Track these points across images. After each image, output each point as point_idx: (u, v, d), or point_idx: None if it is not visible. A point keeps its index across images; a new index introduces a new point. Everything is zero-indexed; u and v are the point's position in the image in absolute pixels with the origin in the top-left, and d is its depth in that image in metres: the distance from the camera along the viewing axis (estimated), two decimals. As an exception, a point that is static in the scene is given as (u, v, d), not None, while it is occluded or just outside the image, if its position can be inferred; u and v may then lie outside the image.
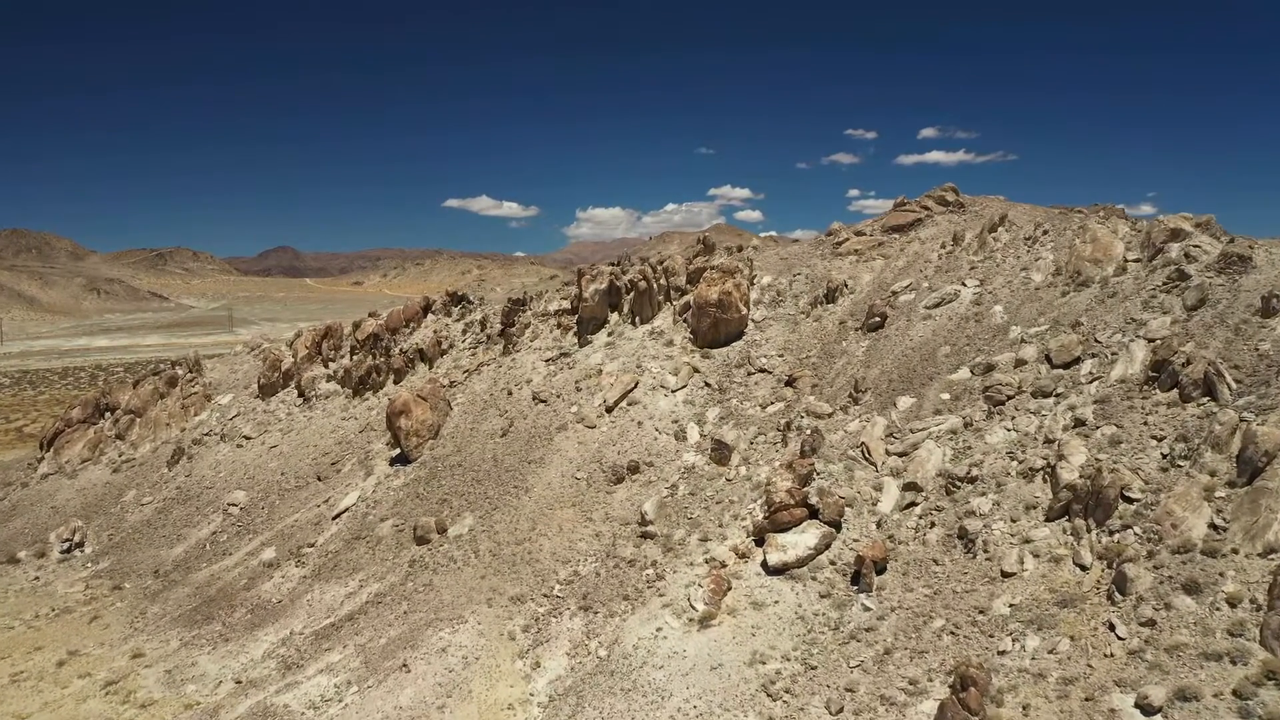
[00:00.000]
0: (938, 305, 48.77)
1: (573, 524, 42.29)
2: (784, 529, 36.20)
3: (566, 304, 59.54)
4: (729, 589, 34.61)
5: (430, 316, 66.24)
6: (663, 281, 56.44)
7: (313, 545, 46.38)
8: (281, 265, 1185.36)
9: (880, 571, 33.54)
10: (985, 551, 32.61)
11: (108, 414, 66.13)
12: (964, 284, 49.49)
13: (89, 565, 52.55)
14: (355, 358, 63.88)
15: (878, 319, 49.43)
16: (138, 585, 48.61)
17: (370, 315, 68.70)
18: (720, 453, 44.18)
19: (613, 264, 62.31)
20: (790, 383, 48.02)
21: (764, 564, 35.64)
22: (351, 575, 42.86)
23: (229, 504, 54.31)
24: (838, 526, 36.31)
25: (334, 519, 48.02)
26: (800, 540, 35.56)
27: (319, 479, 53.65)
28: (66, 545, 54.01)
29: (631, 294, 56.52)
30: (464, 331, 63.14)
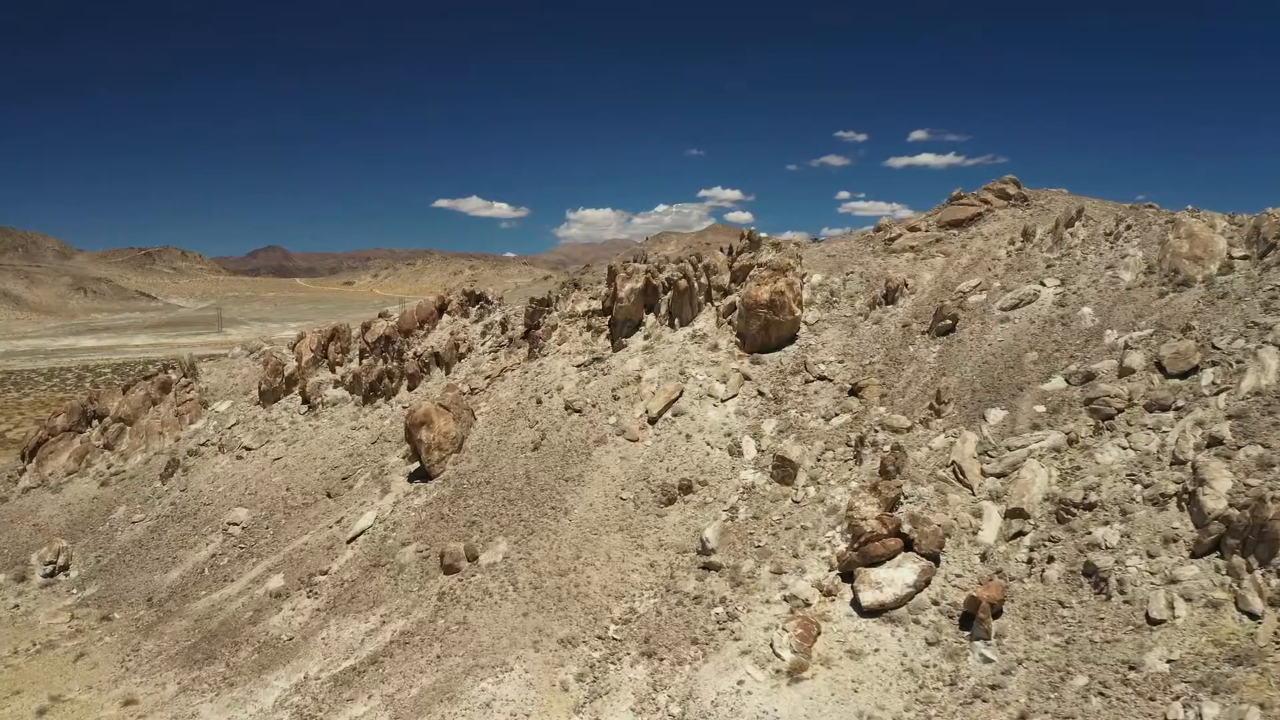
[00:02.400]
0: (1015, 306, 44.28)
1: (622, 552, 37.59)
2: (876, 562, 31.63)
3: (597, 305, 54.81)
4: (819, 633, 30.02)
5: (446, 317, 61.40)
6: (703, 280, 51.79)
7: (326, 573, 41.51)
8: (271, 265, 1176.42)
9: (996, 615, 28.98)
10: (1122, 593, 28.10)
11: (95, 421, 61.06)
12: (1042, 283, 45.01)
13: (74, 591, 47.55)
14: (365, 362, 59.02)
15: (948, 321, 44.88)
16: (129, 616, 43.66)
17: (380, 316, 63.85)
18: (783, 471, 39.53)
19: (643, 261, 57.58)
20: (855, 392, 43.41)
21: (855, 603, 31.11)
22: (372, 609, 38.03)
23: (229, 523, 49.38)
24: (935, 559, 31.78)
25: (349, 543, 43.16)
26: (896, 576, 31.00)
27: (329, 496, 48.78)
28: (50, 568, 49.00)
29: (669, 294, 51.82)
30: (483, 334, 58.35)
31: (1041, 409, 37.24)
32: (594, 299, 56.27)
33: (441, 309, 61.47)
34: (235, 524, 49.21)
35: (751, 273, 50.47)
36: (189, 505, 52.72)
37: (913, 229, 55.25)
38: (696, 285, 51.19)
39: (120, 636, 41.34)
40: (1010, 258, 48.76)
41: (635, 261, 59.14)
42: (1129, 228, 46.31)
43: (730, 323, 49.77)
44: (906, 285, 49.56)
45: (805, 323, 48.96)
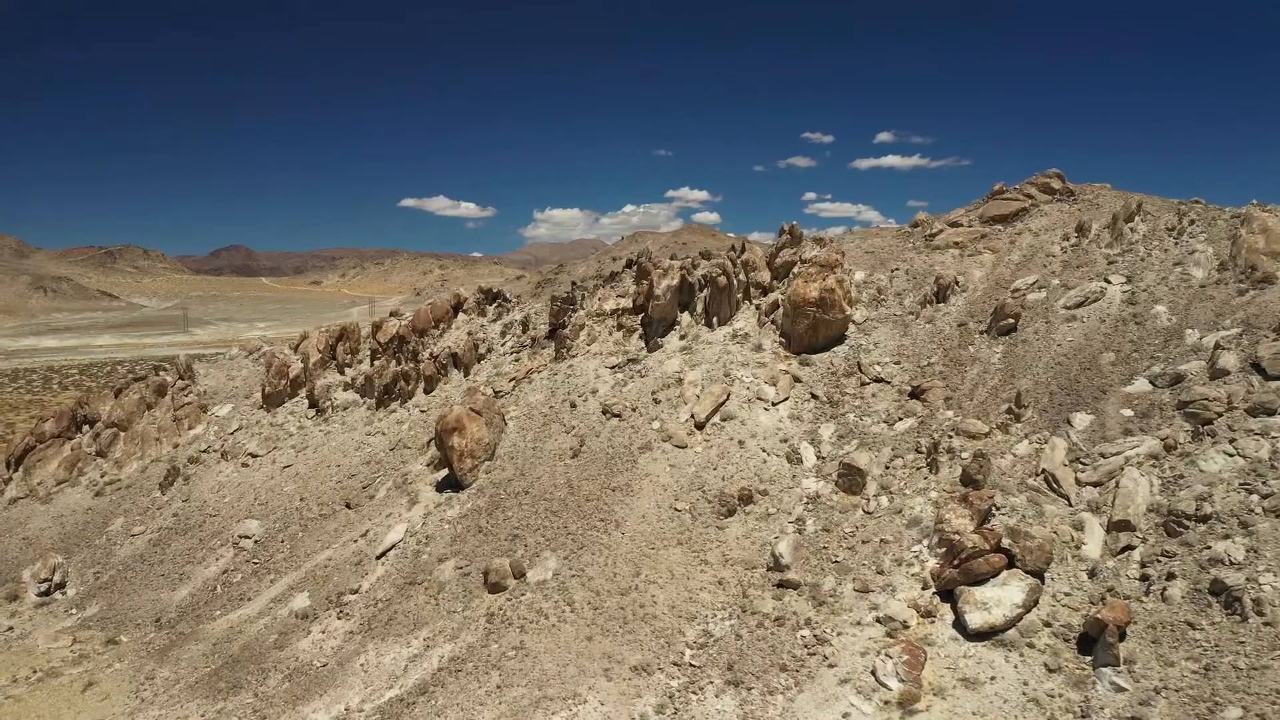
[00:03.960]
0: (1080, 305, 42.24)
1: (685, 568, 34.94)
2: (979, 580, 29.26)
3: (626, 303, 52.08)
4: (925, 659, 27.52)
5: (462, 316, 58.32)
6: (741, 277, 49.27)
7: (356, 591, 38.43)
8: (234, 264, 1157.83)
9: (1120, 639, 26.70)
10: (1260, 614, 25.92)
11: (86, 427, 57.33)
12: (1107, 280, 43.01)
13: (73, 611, 44.07)
14: (377, 363, 55.86)
15: (1010, 321, 42.73)
16: (138, 639, 40.32)
17: (392, 315, 60.69)
18: (850, 479, 37.10)
19: (676, 258, 54.91)
20: (916, 395, 41.11)
21: (959, 625, 28.73)
22: (413, 632, 35.04)
23: (240, 536, 46.12)
24: (1040, 577, 29.46)
25: (379, 558, 40.10)
26: (1003, 595, 28.64)
27: (348, 506, 45.64)
28: (45, 586, 45.43)
29: (706, 291, 49.26)
30: (503, 334, 55.40)
31: (1129, 413, 35.15)
32: (621, 297, 53.55)
33: (457, 307, 58.40)
34: (247, 537, 45.97)
35: (795, 269, 48.05)
36: (193, 517, 49.31)
37: (954, 224, 53.11)
38: (735, 282, 48.65)
39: (131, 662, 37.99)
40: (1066, 254, 46.73)
41: (672, 259, 56.48)
42: (1192, 222, 44.47)
43: (774, 322, 47.29)
44: (957, 283, 47.36)
45: (854, 322, 46.58)
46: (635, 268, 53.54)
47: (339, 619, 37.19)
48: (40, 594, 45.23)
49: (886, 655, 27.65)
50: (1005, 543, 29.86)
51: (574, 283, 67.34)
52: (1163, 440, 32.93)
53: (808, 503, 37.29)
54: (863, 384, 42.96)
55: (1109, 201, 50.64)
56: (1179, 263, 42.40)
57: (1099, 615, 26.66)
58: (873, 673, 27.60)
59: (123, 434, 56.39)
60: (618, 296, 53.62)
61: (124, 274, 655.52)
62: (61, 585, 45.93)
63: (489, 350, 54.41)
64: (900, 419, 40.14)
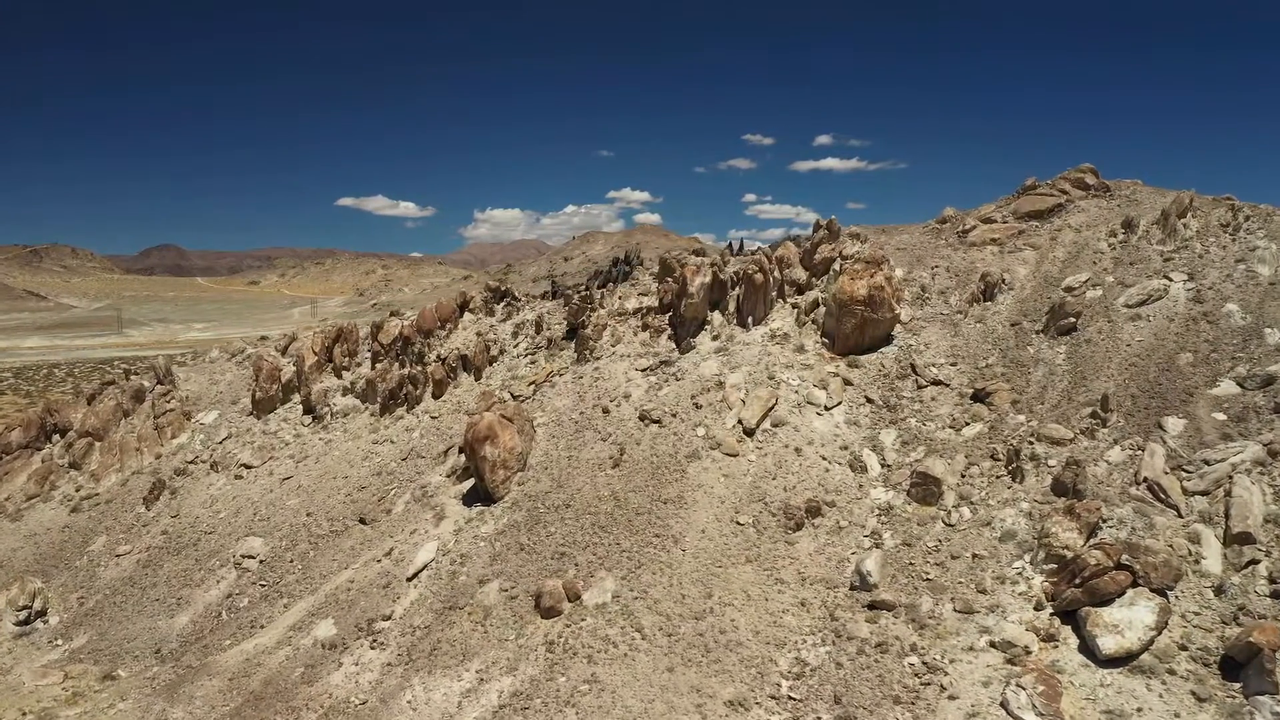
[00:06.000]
0: (1143, 303, 40.55)
1: (761, 588, 32.22)
2: (1105, 600, 27.04)
3: (650, 301, 49.24)
4: (1061, 690, 25.18)
5: (469, 316, 54.79)
6: (776, 275, 46.74)
7: (389, 617, 34.95)
8: (165, 264, 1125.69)
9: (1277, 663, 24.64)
10: None
11: (57, 436, 52.65)
12: (1168, 278, 41.40)
13: (58, 642, 39.86)
14: (379, 366, 52.10)
15: (1070, 320, 40.86)
16: (138, 673, 36.38)
17: (393, 314, 56.91)
18: (925, 489, 34.78)
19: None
20: (980, 398, 38.96)
21: (1087, 650, 26.44)
22: (463, 663, 31.74)
23: (242, 555, 42.26)
24: (1164, 595, 27.34)
25: (410, 580, 36.65)
26: (1133, 617, 26.45)
27: (363, 522, 42.06)
28: (24, 614, 41.09)
29: (738, 289, 46.63)
30: (514, 334, 52.10)
31: (1221, 416, 33.37)
32: (644, 295, 50.71)
33: (463, 306, 54.89)
34: (250, 556, 42.13)
35: (835, 265, 45.68)
36: (185, 534, 45.21)
37: (987, 220, 51.23)
38: (771, 280, 46.10)
39: (136, 701, 34.05)
40: (1115, 250, 45.05)
41: (693, 256, 53.78)
42: (1248, 218, 43.11)
43: (814, 321, 44.85)
44: (1004, 280, 45.41)
45: (900, 321, 44.34)
46: (660, 264, 50.67)
47: (373, 649, 33.70)
48: (19, 623, 40.90)
49: (1018, 686, 25.24)
50: (1125, 558, 27.69)
51: (589, 280, 64.53)
52: (1266, 446, 31.18)
53: (880, 514, 34.91)
54: (919, 386, 40.71)
55: (1147, 197, 49.23)
56: (1241, 260, 40.93)
57: (1251, 639, 24.57)
58: (1003, 705, 25.18)
59: (98, 444, 51.84)
60: (639, 295, 50.76)
61: (51, 273, 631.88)
62: (42, 613, 41.59)
63: (501, 352, 51.07)
64: (967, 424, 37.96)
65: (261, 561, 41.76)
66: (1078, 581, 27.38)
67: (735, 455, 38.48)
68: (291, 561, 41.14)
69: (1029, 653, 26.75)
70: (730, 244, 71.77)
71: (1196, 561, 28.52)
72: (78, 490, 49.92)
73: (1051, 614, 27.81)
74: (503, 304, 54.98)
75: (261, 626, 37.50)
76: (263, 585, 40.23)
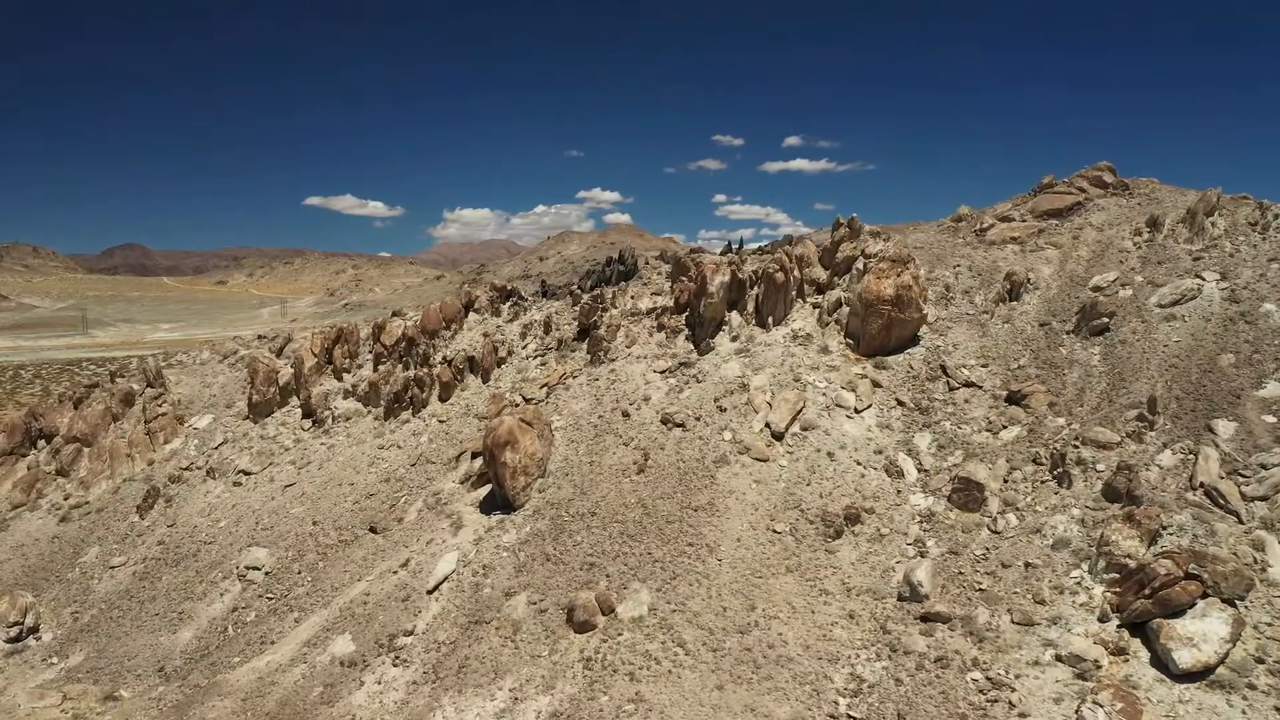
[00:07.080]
0: (1176, 303, 39.76)
1: (805, 599, 30.95)
2: (1177, 612, 26.03)
3: (664, 301, 47.88)
4: (1141, 707, 24.09)
5: (474, 316, 53.11)
6: (796, 274, 45.54)
7: (411, 633, 33.28)
8: (130, 263, 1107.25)
9: (1357, 676, 23.73)
10: None
11: (42, 442, 50.31)
12: (1200, 277, 40.64)
13: (54, 660, 37.79)
14: (382, 368, 50.30)
15: (1102, 320, 39.99)
16: (142, 693, 34.44)
17: (395, 315, 55.07)
18: (967, 495, 33.72)
19: (708, 251, 50.88)
20: (1016, 400, 37.96)
21: (1159, 664, 25.38)
22: (494, 681, 30.17)
23: (246, 567, 40.37)
24: (1234, 605, 26.38)
25: (430, 592, 35.00)
26: (1208, 629, 25.44)
27: (374, 531, 40.32)
28: (15, 630, 38.96)
29: (758, 289, 45.40)
30: (522, 335, 50.51)
31: (1272, 419, 32.57)
32: (657, 294, 49.34)
33: (469, 306, 53.20)
34: (255, 568, 40.26)
35: (858, 264, 44.52)
36: (184, 544, 43.21)
37: (1005, 219, 50.38)
38: (791, 279, 44.89)
39: (143, 725, 32.18)
40: (1141, 249, 44.29)
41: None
42: (1277, 216, 42.47)
43: (837, 321, 43.70)
44: (1029, 280, 44.50)
45: (927, 322, 43.29)
46: (673, 263, 49.30)
47: (395, 666, 32.05)
48: (10, 640, 38.77)
49: (1095, 704, 24.14)
50: (1192, 567, 26.71)
51: (582, 280, 63.12)
52: (1322, 449, 30.34)
53: (921, 521, 33.78)
54: (951, 388, 39.66)
55: (1168, 196, 48.62)
56: (1274, 258, 40.28)
57: (1337, 652, 23.65)
58: (1080, 725, 24.06)
59: (87, 450, 49.60)
60: (653, 294, 49.37)
61: (12, 273, 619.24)
62: (35, 629, 39.48)
63: (509, 353, 49.48)
64: (1004, 427, 36.94)
65: (267, 573, 39.92)
66: (1146, 592, 26.36)
67: (765, 460, 37.23)
68: (300, 573, 39.33)
69: (1099, 667, 25.68)
70: (730, 244, 70.63)
71: (1263, 570, 27.61)
72: (66, 499, 47.66)
73: (1118, 625, 26.76)
74: (509, 304, 53.34)
75: (272, 642, 35.68)
76: (270, 598, 38.39)
